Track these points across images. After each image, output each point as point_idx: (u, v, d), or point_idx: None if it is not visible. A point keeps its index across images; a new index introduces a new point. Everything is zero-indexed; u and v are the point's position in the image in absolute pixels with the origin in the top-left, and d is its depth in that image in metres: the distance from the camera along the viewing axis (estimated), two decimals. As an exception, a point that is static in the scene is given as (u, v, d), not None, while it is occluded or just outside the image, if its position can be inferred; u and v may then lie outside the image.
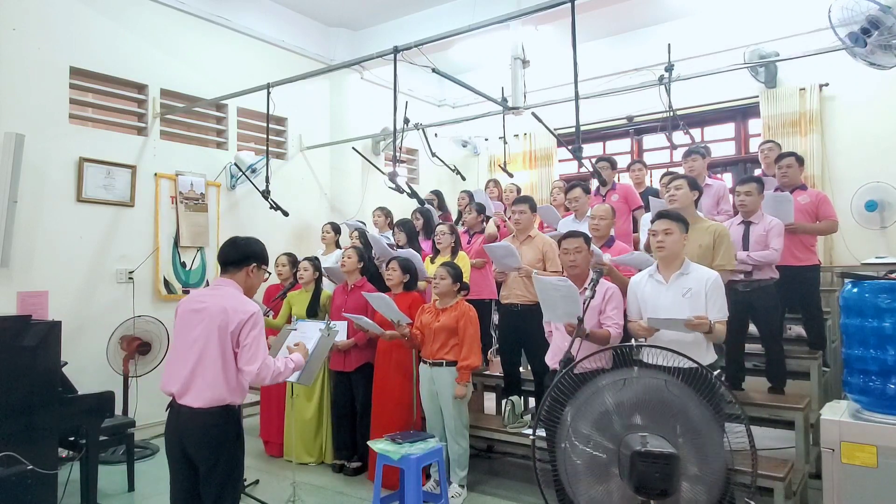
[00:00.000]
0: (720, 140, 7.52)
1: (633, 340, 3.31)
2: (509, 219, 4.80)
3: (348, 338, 4.46)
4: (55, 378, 3.69)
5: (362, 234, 5.47)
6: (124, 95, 5.74)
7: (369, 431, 4.40)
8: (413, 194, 5.23)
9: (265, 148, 5.69)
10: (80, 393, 3.85)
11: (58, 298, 4.97)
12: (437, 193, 6.77)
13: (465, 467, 4.06)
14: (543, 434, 2.39)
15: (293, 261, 5.11)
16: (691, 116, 7.04)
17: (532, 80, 5.94)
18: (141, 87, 5.80)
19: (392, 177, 4.78)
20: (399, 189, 4.93)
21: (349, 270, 4.62)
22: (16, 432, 3.40)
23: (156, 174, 5.78)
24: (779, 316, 4.25)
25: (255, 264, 2.70)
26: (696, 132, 7.09)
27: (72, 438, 3.85)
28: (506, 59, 5.91)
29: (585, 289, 3.25)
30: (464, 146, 8.90)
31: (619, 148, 8.21)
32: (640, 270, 4.12)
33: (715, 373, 2.34)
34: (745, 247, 4.05)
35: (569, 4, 3.74)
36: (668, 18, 7.29)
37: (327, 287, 5.04)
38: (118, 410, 4.44)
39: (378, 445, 3.70)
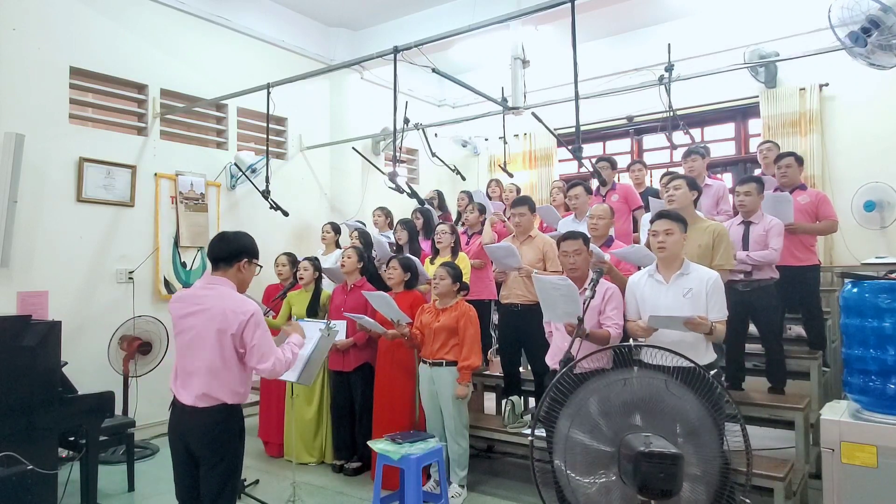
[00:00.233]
0: (720, 140, 7.52)
1: (630, 340, 3.31)
2: (509, 219, 4.80)
3: (347, 337, 4.46)
4: (55, 378, 3.69)
5: (363, 234, 5.47)
6: (124, 95, 5.74)
7: (368, 431, 4.41)
8: (413, 194, 5.23)
9: (265, 148, 5.69)
10: (80, 393, 3.85)
11: (58, 298, 4.97)
12: (438, 193, 6.78)
13: (465, 467, 4.06)
14: (543, 434, 2.39)
15: (293, 261, 5.11)
16: (691, 116, 7.04)
17: (532, 80, 5.94)
18: (141, 87, 5.80)
19: (392, 177, 4.78)
20: (399, 189, 4.93)
21: (349, 271, 4.62)
22: (16, 432, 3.40)
23: (156, 174, 5.78)
24: (779, 316, 4.25)
25: (245, 259, 2.68)
26: (696, 132, 7.09)
27: (72, 438, 3.85)
28: (506, 59, 5.91)
29: (585, 289, 3.25)
30: (464, 146, 8.90)
31: (619, 148, 8.21)
32: (640, 268, 4.13)
33: (712, 372, 2.33)
34: (745, 247, 4.05)
35: (569, 4, 3.74)
36: (668, 18, 7.29)
37: (327, 287, 5.04)
38: (118, 410, 4.44)
39: (378, 445, 3.70)
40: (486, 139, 8.81)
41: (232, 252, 2.65)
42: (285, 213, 5.85)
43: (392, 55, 4.45)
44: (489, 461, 4.84)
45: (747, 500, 2.23)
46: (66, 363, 3.96)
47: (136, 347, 5.03)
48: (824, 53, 4.91)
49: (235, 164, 6.32)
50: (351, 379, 4.54)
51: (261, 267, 2.80)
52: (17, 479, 3.19)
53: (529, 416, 4.28)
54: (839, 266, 5.94)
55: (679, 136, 6.13)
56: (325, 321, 4.18)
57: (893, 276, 3.13)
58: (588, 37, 7.24)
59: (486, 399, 5.35)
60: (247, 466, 4.42)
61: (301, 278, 4.82)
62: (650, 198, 4.78)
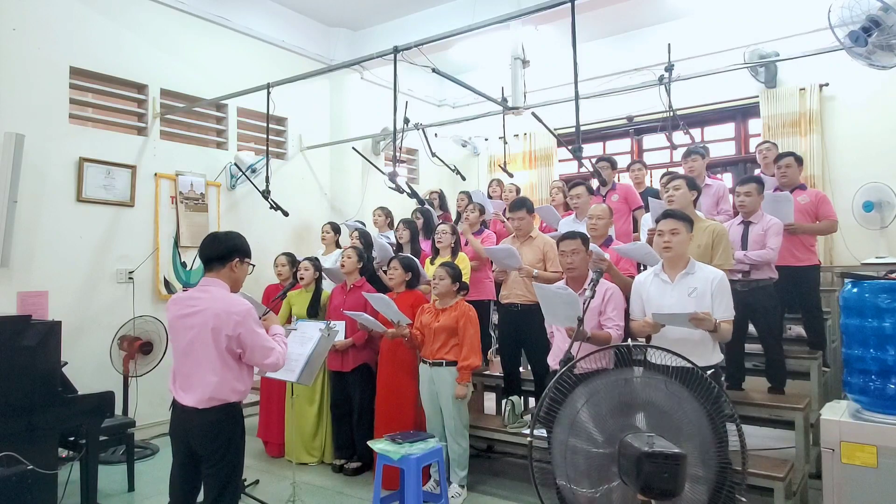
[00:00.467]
0: (720, 140, 7.52)
1: (629, 340, 3.31)
2: (509, 220, 4.80)
3: (346, 338, 4.45)
4: (55, 378, 3.69)
5: (363, 234, 5.47)
6: (124, 95, 5.74)
7: (367, 432, 4.41)
8: (413, 194, 5.23)
9: (265, 148, 5.69)
10: (80, 393, 3.84)
11: (58, 298, 4.97)
12: (439, 193, 6.79)
13: (465, 467, 4.06)
14: (544, 434, 2.39)
15: (292, 261, 5.11)
16: (691, 116, 7.04)
17: (532, 80, 5.93)
18: (141, 87, 5.80)
19: (392, 177, 4.78)
20: (399, 189, 4.93)
21: (349, 271, 4.62)
22: (16, 432, 3.40)
23: (156, 174, 5.78)
24: (778, 316, 4.25)
25: (237, 258, 2.70)
26: (696, 132, 7.09)
27: (72, 438, 3.85)
28: (506, 59, 5.91)
29: (585, 289, 3.25)
30: (464, 146, 8.90)
31: (619, 148, 8.21)
32: (640, 266, 4.13)
33: (709, 372, 2.33)
34: (744, 247, 4.05)
35: (569, 4, 3.74)
36: (668, 18, 7.29)
37: (327, 287, 5.04)
38: (118, 410, 4.44)
39: (378, 445, 3.70)
40: (486, 139, 8.82)
41: (224, 252, 2.68)
42: (285, 213, 5.85)
43: (392, 55, 4.46)
44: (489, 461, 4.84)
45: (743, 499, 2.23)
46: (66, 363, 3.96)
47: (138, 347, 5.03)
48: (824, 53, 4.91)
49: (235, 164, 6.32)
50: (349, 379, 4.54)
51: (253, 266, 2.82)
52: (17, 479, 3.19)
53: (529, 416, 4.28)
54: (839, 266, 5.94)
55: (679, 136, 6.13)
56: (325, 321, 4.19)
57: (893, 276, 3.13)
58: (588, 37, 7.24)
59: (486, 399, 5.35)
60: (247, 466, 4.41)
61: (301, 278, 4.82)
62: (650, 198, 4.78)
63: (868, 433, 2.73)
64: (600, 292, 3.35)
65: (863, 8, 3.81)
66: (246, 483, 4.15)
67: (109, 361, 4.96)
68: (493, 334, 5.28)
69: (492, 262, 4.56)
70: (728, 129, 7.49)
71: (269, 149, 5.69)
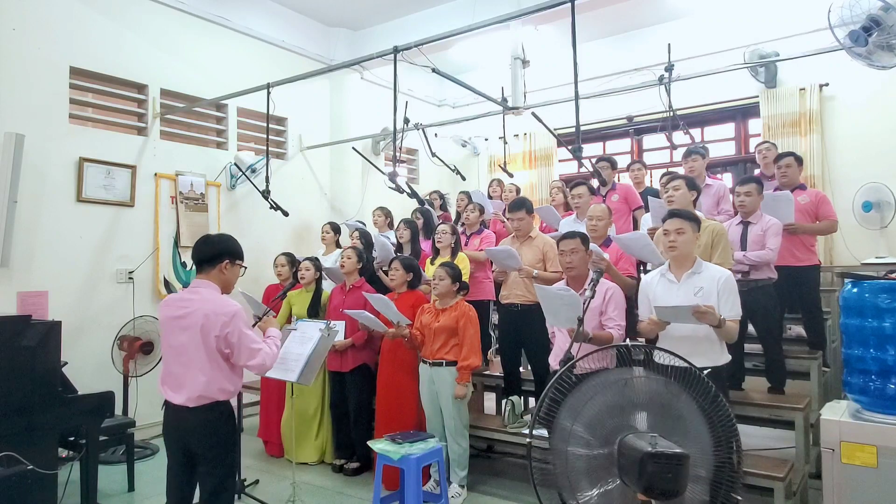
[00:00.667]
0: (720, 140, 7.52)
1: (627, 340, 3.31)
2: (508, 220, 4.79)
3: (346, 338, 4.45)
4: (55, 378, 3.69)
5: (363, 235, 5.47)
6: (124, 95, 5.74)
7: (366, 432, 4.42)
8: (413, 194, 5.23)
9: (265, 148, 5.69)
10: (80, 393, 3.85)
11: (58, 298, 4.97)
12: (440, 194, 6.79)
13: (465, 467, 4.06)
14: (545, 434, 2.39)
15: (292, 261, 5.11)
16: (691, 116, 7.03)
17: (532, 80, 5.93)
18: (141, 87, 5.80)
19: (392, 177, 4.78)
20: (399, 189, 4.93)
21: (348, 271, 4.62)
22: (16, 432, 3.40)
23: (156, 174, 5.78)
24: (777, 316, 4.25)
25: (227, 260, 2.73)
26: (696, 132, 7.09)
27: (72, 438, 3.85)
28: (506, 59, 5.90)
29: (585, 289, 3.24)
30: (464, 146, 8.90)
31: (619, 148, 8.21)
32: (640, 264, 4.12)
33: (706, 372, 2.33)
34: (743, 247, 4.05)
35: (569, 4, 3.74)
36: (668, 18, 7.29)
37: (328, 287, 5.04)
38: (118, 410, 4.44)
39: (378, 445, 3.70)
40: (486, 139, 8.82)
41: (213, 254, 2.72)
42: (285, 213, 5.85)
43: (392, 55, 4.46)
44: (489, 461, 4.84)
45: (739, 498, 2.23)
46: (66, 363, 3.97)
47: (139, 347, 5.03)
48: (824, 53, 4.90)
49: (235, 164, 6.32)
50: (348, 379, 4.54)
51: (245, 268, 2.87)
52: (17, 479, 3.19)
53: (529, 415, 4.28)
54: (839, 266, 5.94)
55: (679, 136, 6.13)
56: (325, 321, 4.19)
57: (893, 276, 3.13)
58: (588, 37, 7.24)
59: (486, 399, 5.35)
60: (247, 466, 4.44)
61: (302, 278, 4.82)
62: (649, 197, 4.78)
63: (868, 433, 2.73)
64: (601, 292, 3.35)
65: (863, 7, 3.81)
66: (246, 483, 4.16)
67: (109, 361, 4.97)
68: (493, 334, 5.28)
69: (491, 263, 4.56)
70: (728, 129, 7.49)
71: (269, 149, 5.69)
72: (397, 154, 4.96)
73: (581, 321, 2.93)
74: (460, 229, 5.29)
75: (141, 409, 5.16)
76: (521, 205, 4.40)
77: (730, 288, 3.02)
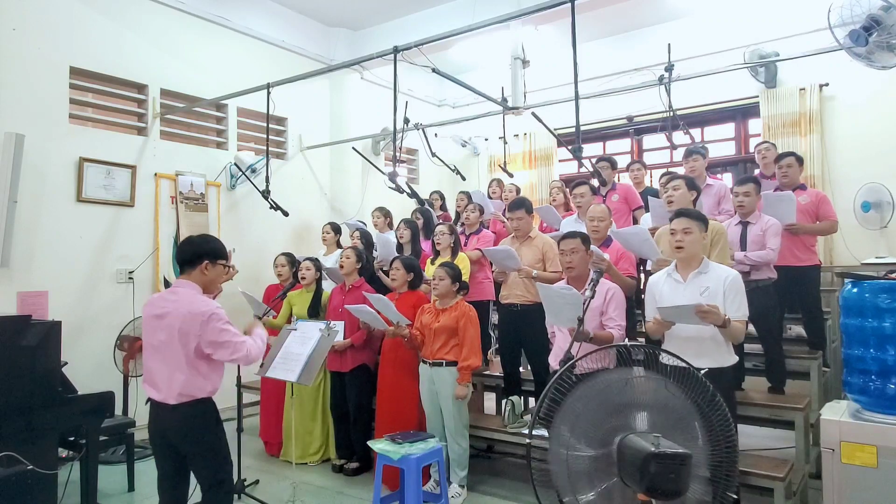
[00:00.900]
0: (720, 140, 7.52)
1: (626, 340, 3.30)
2: (508, 220, 4.79)
3: (345, 338, 4.45)
4: (55, 378, 3.68)
5: (364, 235, 5.47)
6: (124, 95, 5.74)
7: (365, 432, 4.42)
8: (413, 194, 5.23)
9: (265, 148, 5.69)
10: (80, 393, 3.84)
11: (58, 298, 4.97)
12: (440, 195, 6.79)
13: (465, 467, 4.06)
14: (545, 434, 2.39)
15: (292, 261, 5.11)
16: (691, 116, 7.04)
17: (532, 80, 5.94)
18: (141, 87, 5.80)
19: (392, 177, 4.78)
20: (399, 189, 4.93)
21: (347, 272, 4.62)
22: (16, 432, 3.40)
23: (156, 174, 5.78)
24: (777, 316, 4.24)
25: (207, 261, 2.77)
26: (696, 132, 7.09)
27: (72, 438, 3.85)
28: (506, 59, 5.91)
29: (585, 289, 3.24)
30: (464, 146, 8.90)
31: (619, 148, 8.21)
32: (640, 264, 4.11)
33: (702, 372, 2.32)
34: (743, 247, 4.05)
35: (569, 4, 3.74)
36: (668, 18, 7.29)
37: (328, 288, 5.03)
38: (118, 410, 4.44)
39: (378, 445, 3.70)
40: (486, 139, 8.82)
41: (194, 255, 2.77)
42: (285, 213, 5.85)
43: (392, 55, 4.46)
44: (489, 461, 4.84)
45: (734, 496, 2.23)
46: (66, 363, 3.96)
47: (139, 347, 5.02)
48: (824, 53, 4.90)
49: (235, 164, 6.32)
50: (347, 380, 4.54)
51: (229, 267, 2.93)
52: (17, 479, 3.19)
53: (529, 415, 4.28)
54: (839, 266, 5.94)
55: (679, 136, 6.13)
56: (325, 321, 4.18)
57: (893, 276, 3.13)
58: (588, 37, 7.24)
59: (486, 399, 5.35)
60: (247, 466, 4.44)
61: (303, 278, 4.82)
62: (649, 197, 4.78)
63: (868, 433, 2.73)
64: (601, 292, 3.35)
65: (863, 7, 3.81)
66: (246, 483, 4.15)
67: (109, 361, 4.96)
68: (492, 334, 5.28)
69: (491, 263, 4.56)
70: (728, 129, 7.49)
71: (269, 149, 5.69)
72: (397, 154, 4.96)
73: (581, 321, 2.93)
74: (459, 229, 5.29)
75: (141, 409, 5.09)
76: (520, 204, 4.40)
77: (736, 288, 2.98)
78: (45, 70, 5.02)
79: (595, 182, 5.17)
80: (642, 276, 4.72)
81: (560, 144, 7.41)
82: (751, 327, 4.15)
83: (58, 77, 5.12)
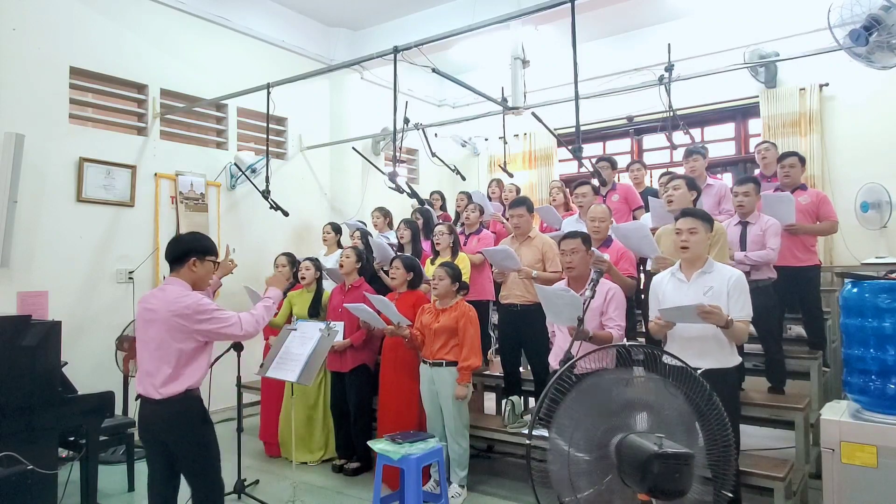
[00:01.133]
0: (720, 140, 7.52)
1: (625, 340, 3.30)
2: (508, 220, 4.80)
3: (344, 338, 4.45)
4: (55, 378, 3.69)
5: (364, 235, 5.46)
6: (124, 95, 5.74)
7: (365, 432, 4.42)
8: (413, 194, 5.23)
9: (265, 148, 5.70)
10: (80, 393, 3.85)
11: (58, 298, 4.97)
12: (441, 195, 6.79)
13: (465, 467, 4.06)
14: (545, 434, 2.39)
15: (293, 261, 5.11)
16: (691, 116, 7.04)
17: (532, 80, 5.93)
18: (141, 87, 5.80)
19: (392, 177, 4.78)
20: (399, 189, 4.93)
21: (347, 271, 4.62)
22: (16, 432, 3.40)
23: (156, 174, 5.78)
24: (777, 316, 4.24)
25: (195, 257, 2.81)
26: (696, 132, 7.09)
27: (72, 438, 3.85)
28: (506, 59, 5.91)
29: (586, 289, 3.24)
30: (464, 146, 8.90)
31: (619, 148, 8.21)
32: (639, 264, 4.11)
33: (699, 372, 2.32)
34: (742, 247, 4.05)
35: (569, 4, 3.74)
36: (668, 18, 7.29)
37: (329, 288, 5.03)
38: (118, 410, 4.44)
39: (378, 445, 3.70)
40: (486, 139, 8.82)
41: (181, 252, 2.82)
42: (285, 213, 5.85)
43: (392, 55, 4.46)
44: (489, 461, 4.84)
45: (730, 494, 2.23)
46: (66, 363, 3.96)
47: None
48: (824, 53, 4.90)
49: (235, 164, 6.32)
50: (347, 380, 4.54)
51: (216, 263, 2.98)
52: (17, 479, 3.19)
53: (529, 416, 4.28)
54: (839, 266, 5.94)
55: (679, 136, 6.13)
56: (325, 322, 4.18)
57: (893, 276, 3.13)
58: (588, 37, 7.24)
59: (486, 399, 5.35)
60: (247, 466, 4.44)
61: (303, 278, 4.82)
62: (649, 197, 4.77)
63: (868, 433, 2.73)
64: (602, 292, 3.35)
65: (864, 7, 3.80)
66: (246, 483, 4.15)
67: (109, 361, 4.97)
68: (492, 334, 5.28)
69: (491, 265, 4.55)
70: (728, 129, 7.49)
71: (269, 149, 5.69)
72: (397, 154, 4.96)
73: (581, 321, 2.92)
74: (459, 229, 5.30)
75: (141, 409, 5.15)
76: (521, 202, 4.40)
77: (740, 288, 2.96)
78: (45, 70, 5.02)
79: (596, 182, 5.17)
80: (642, 276, 4.72)
81: (560, 144, 7.42)
82: (751, 327, 4.17)
83: (58, 77, 5.12)
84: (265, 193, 5.63)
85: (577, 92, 3.70)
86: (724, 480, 2.23)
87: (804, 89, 6.47)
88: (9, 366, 3.45)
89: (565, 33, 3.84)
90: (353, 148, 6.87)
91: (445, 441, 3.99)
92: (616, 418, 2.21)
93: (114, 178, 5.44)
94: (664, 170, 6.44)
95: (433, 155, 6.69)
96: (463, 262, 4.60)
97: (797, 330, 4.87)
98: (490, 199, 6.32)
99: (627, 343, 3.08)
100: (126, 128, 5.77)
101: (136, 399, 2.79)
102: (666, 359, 2.37)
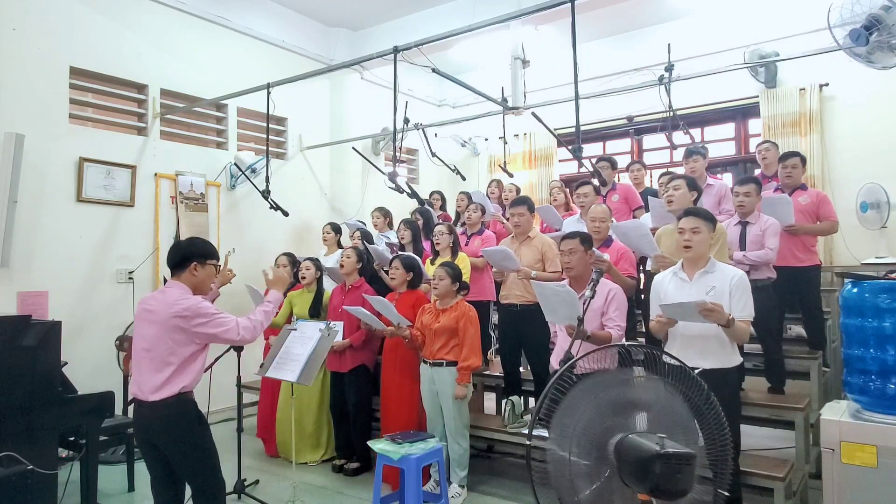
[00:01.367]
0: (720, 140, 7.52)
1: (624, 340, 3.30)
2: (508, 220, 4.79)
3: (344, 338, 4.45)
4: (55, 378, 3.69)
5: (364, 235, 5.46)
6: (124, 95, 5.74)
7: (364, 432, 4.42)
8: (413, 194, 5.23)
9: (265, 148, 5.70)
10: (80, 393, 3.85)
11: (58, 298, 4.97)
12: (441, 195, 6.78)
13: (465, 467, 4.06)
14: (544, 434, 2.39)
15: (293, 261, 5.11)
16: (691, 116, 7.03)
17: (532, 80, 5.93)
18: (141, 87, 5.80)
19: (392, 177, 4.78)
20: (399, 189, 4.93)
21: (347, 272, 4.62)
22: (16, 432, 3.40)
23: (156, 174, 5.78)
24: (777, 316, 4.24)
25: (196, 262, 2.82)
26: (696, 132, 7.09)
27: (72, 438, 3.85)
28: (506, 59, 5.91)
29: (586, 289, 3.24)
30: (464, 146, 8.90)
31: (619, 148, 8.21)
32: (639, 265, 4.10)
33: (696, 371, 2.32)
34: (742, 247, 4.05)
35: (569, 4, 3.74)
36: (668, 18, 7.29)
37: (329, 288, 5.03)
38: (118, 410, 4.43)
39: (378, 445, 3.70)
40: (486, 139, 8.82)
41: (181, 258, 2.83)
42: (285, 213, 5.85)
43: (392, 55, 4.46)
44: (489, 461, 4.84)
45: (727, 493, 2.24)
46: (66, 363, 3.96)
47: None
48: (824, 53, 4.90)
49: (235, 164, 6.32)
50: (347, 380, 4.54)
51: (218, 267, 2.98)
52: (17, 479, 3.19)
53: (529, 416, 4.28)
54: (839, 266, 5.94)
55: (679, 136, 6.13)
56: (325, 322, 4.18)
57: (893, 276, 3.13)
58: (588, 37, 7.24)
59: (486, 399, 5.35)
60: (247, 466, 4.43)
61: (303, 278, 4.82)
62: (650, 198, 4.77)
63: (868, 433, 2.73)
64: (602, 293, 3.35)
65: (864, 6, 3.80)
66: (246, 483, 4.16)
67: (109, 361, 4.97)
68: (493, 334, 5.28)
69: (491, 265, 4.55)
70: (728, 129, 7.49)
71: (269, 149, 5.69)
72: (397, 154, 4.96)
73: (581, 321, 2.92)
74: (460, 230, 5.29)
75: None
76: (523, 201, 4.41)
77: (743, 287, 2.96)
78: (45, 70, 5.02)
79: (596, 182, 5.17)
80: (642, 276, 4.71)
81: (560, 144, 7.42)
82: (750, 327, 4.17)
83: (58, 77, 5.12)
84: (265, 193, 5.63)
85: (577, 92, 3.70)
86: (722, 480, 2.23)
87: (804, 89, 6.47)
88: (9, 366, 3.45)
89: (565, 33, 3.84)
90: (353, 148, 6.86)
91: (445, 441, 3.99)
92: (616, 418, 2.21)
93: (114, 178, 5.44)
94: (664, 170, 6.44)
95: (433, 155, 6.69)
96: (463, 261, 4.60)
97: (797, 330, 4.87)
98: (490, 199, 6.31)
99: (627, 343, 3.08)
100: (126, 128, 5.77)
101: (130, 402, 2.80)
102: (666, 359, 2.37)
